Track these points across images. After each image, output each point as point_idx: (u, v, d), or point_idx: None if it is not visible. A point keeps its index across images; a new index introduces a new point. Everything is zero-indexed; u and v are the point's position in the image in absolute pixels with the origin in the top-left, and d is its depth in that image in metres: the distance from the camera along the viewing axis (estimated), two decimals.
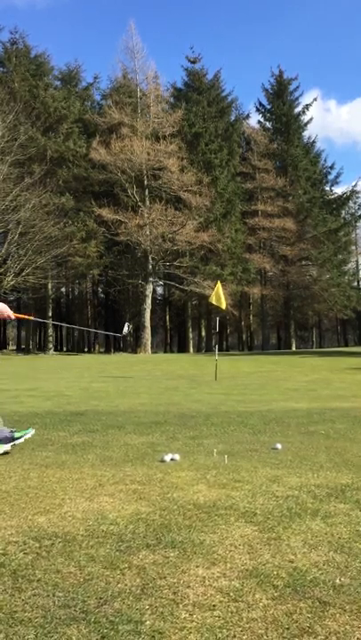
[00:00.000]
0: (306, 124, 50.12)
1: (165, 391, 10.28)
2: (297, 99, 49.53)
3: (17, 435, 4.38)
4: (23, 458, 4.23)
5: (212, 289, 16.12)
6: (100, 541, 2.47)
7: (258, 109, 50.41)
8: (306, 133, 50.87)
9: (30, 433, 4.43)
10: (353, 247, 52.44)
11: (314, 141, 51.68)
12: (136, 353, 38.62)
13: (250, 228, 45.64)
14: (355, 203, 50.86)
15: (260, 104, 50.20)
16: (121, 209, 38.11)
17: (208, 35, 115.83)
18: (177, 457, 4.16)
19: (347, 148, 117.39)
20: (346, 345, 57.49)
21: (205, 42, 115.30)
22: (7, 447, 4.30)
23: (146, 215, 38.42)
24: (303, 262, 48.32)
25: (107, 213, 37.23)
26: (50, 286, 41.59)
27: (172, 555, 2.32)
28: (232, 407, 7.76)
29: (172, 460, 4.11)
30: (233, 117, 50.41)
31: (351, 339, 62.94)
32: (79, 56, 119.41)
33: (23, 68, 41.91)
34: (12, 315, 4.47)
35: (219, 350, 22.18)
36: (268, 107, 49.67)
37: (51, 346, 42.91)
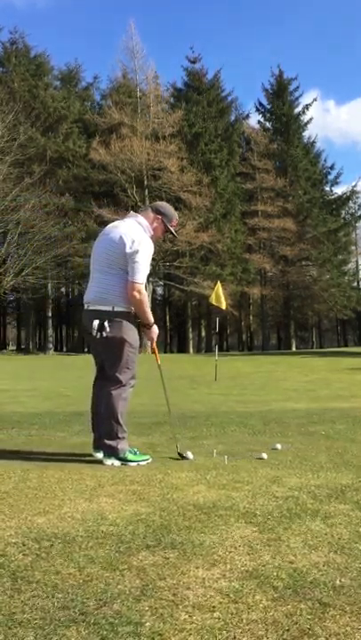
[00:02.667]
0: (306, 124, 50.17)
1: None
2: (297, 99, 49.60)
3: (131, 457, 4.09)
4: (22, 458, 4.22)
5: (212, 289, 16.11)
6: (99, 542, 2.46)
7: (258, 109, 50.47)
8: (306, 133, 50.95)
9: (147, 461, 4.10)
10: (353, 247, 52.48)
11: (314, 141, 51.76)
12: None
13: (250, 229, 45.64)
14: (355, 203, 50.92)
15: (260, 104, 50.27)
16: (121, 209, 38.04)
17: (208, 35, 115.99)
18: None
19: (346, 149, 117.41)
20: (346, 345, 57.49)
21: (205, 42, 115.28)
22: (117, 463, 4.05)
23: None
24: (303, 262, 48.34)
25: (107, 213, 37.17)
26: (50, 286, 41.62)
27: (171, 556, 2.31)
28: (232, 407, 7.76)
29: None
30: (233, 117, 50.46)
31: (351, 339, 62.95)
32: (79, 56, 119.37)
33: (23, 68, 41.95)
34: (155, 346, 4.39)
35: (219, 350, 22.17)
36: (268, 107, 49.69)
37: (50, 346, 42.93)
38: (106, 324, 4.02)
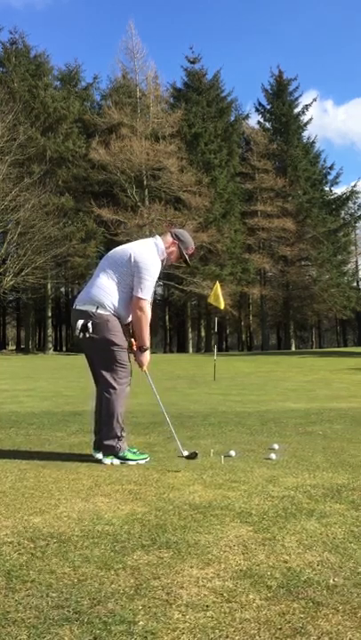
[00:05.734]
0: (305, 125, 50.14)
1: (164, 391, 10.27)
2: (296, 99, 49.55)
3: (130, 456, 4.12)
4: (20, 458, 4.23)
5: (212, 289, 16.11)
6: (94, 542, 2.47)
7: (257, 109, 50.44)
8: (305, 134, 50.92)
9: (145, 460, 4.14)
10: (352, 247, 52.44)
11: (313, 142, 51.72)
12: None
13: (249, 229, 45.63)
14: (354, 203, 50.86)
15: (260, 104, 50.24)
16: (120, 209, 38.09)
17: (208, 35, 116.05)
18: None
19: (345, 149, 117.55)
20: (345, 345, 57.49)
21: (205, 42, 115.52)
22: (116, 462, 4.08)
23: (145, 215, 38.41)
24: (303, 262, 48.35)
25: (106, 213, 37.22)
26: (49, 286, 41.60)
27: (166, 555, 2.32)
28: (230, 407, 7.77)
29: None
30: (233, 117, 50.39)
31: (351, 339, 62.95)
32: (79, 56, 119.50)
33: (23, 68, 41.90)
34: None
35: (218, 350, 22.19)
36: (268, 107, 49.67)
37: (50, 346, 42.90)
38: (89, 324, 4.01)
